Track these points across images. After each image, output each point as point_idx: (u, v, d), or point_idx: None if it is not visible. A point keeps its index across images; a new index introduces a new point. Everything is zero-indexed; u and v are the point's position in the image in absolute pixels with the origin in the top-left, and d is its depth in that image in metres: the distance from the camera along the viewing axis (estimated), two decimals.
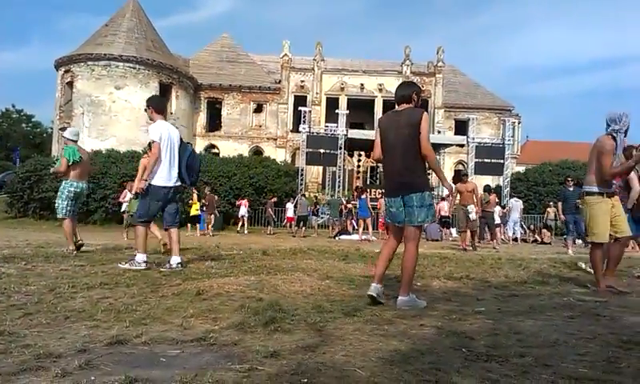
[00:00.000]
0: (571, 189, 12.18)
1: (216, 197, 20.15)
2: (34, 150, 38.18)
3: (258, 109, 38.45)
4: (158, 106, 6.30)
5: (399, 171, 4.02)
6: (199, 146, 36.31)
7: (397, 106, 4.20)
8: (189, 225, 17.82)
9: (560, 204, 12.92)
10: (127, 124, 31.84)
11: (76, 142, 7.59)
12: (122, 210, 14.83)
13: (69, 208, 7.31)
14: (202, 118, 37.86)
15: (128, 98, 32.09)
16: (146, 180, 5.80)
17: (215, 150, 36.14)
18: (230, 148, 35.36)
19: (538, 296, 4.62)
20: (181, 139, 6.24)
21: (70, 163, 7.23)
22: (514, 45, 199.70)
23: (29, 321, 3.04)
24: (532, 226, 22.10)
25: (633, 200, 6.42)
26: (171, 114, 34.43)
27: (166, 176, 5.86)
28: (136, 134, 31.68)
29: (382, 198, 18.13)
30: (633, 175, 6.41)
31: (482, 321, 3.39)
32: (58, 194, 7.36)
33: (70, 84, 32.72)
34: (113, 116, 31.80)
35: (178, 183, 6.02)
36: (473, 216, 12.64)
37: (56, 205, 7.38)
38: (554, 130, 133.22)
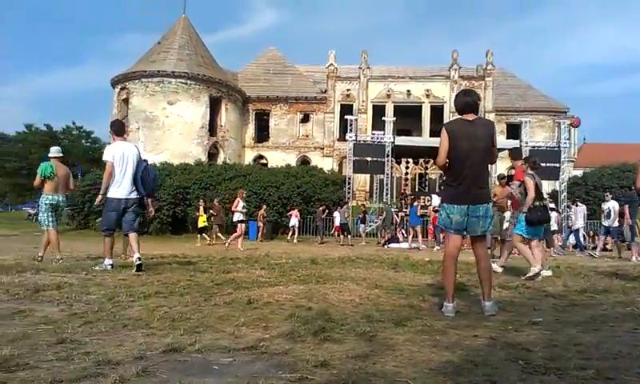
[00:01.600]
0: None
1: (220, 207, 20.44)
2: (93, 164, 40.12)
3: (305, 119, 38.84)
4: (116, 130, 7.01)
5: (474, 181, 4.01)
6: (248, 157, 37.09)
7: (461, 114, 4.17)
8: (199, 236, 18.27)
9: (627, 208, 12.26)
10: (180, 137, 32.93)
11: (58, 158, 8.17)
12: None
13: (50, 219, 7.93)
14: (250, 130, 38.65)
15: (180, 112, 33.22)
16: (103, 194, 6.54)
17: (263, 161, 36.77)
18: (277, 158, 35.88)
19: (599, 306, 4.40)
20: (139, 156, 6.97)
21: (42, 178, 7.84)
22: (566, 45, 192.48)
23: (89, 329, 3.18)
24: (591, 232, 21.07)
25: (528, 204, 6.72)
26: (221, 126, 35.37)
27: (118, 189, 6.53)
28: (189, 147, 32.74)
29: (431, 205, 17.85)
30: (528, 179, 6.76)
31: (539, 332, 3.26)
32: (39, 208, 8.21)
33: (126, 100, 34.25)
34: (166, 130, 32.99)
35: (134, 195, 6.63)
36: (506, 225, 12.20)
37: (38, 218, 8.17)
38: (612, 132, 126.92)
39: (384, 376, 2.26)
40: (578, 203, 18.55)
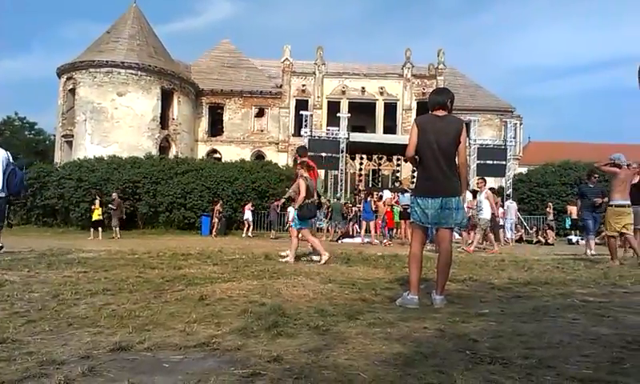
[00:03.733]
0: (592, 185, 11.22)
1: (122, 202, 20.55)
2: (36, 157, 38.26)
3: (260, 113, 38.52)
4: None
5: (444, 174, 4.16)
6: (201, 151, 36.41)
7: (432, 111, 4.33)
8: (92, 230, 18.16)
9: (578, 201, 11.83)
10: (129, 130, 31.92)
11: None
12: None
13: None
14: (203, 124, 37.94)
15: (130, 104, 32.18)
16: None
17: (217, 155, 36.21)
18: (231, 153, 35.39)
19: (541, 297, 4.60)
20: (9, 159, 7.85)
21: None
22: (514, 45, 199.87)
23: (32, 328, 3.04)
24: (535, 227, 22.03)
25: (299, 202, 7.92)
26: (173, 119, 34.54)
27: None
28: (139, 140, 31.78)
29: (379, 200, 18.11)
30: (301, 181, 8.03)
31: (485, 323, 3.38)
32: None
33: (73, 91, 32.84)
34: (115, 123, 31.87)
35: (3, 194, 7.68)
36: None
37: None
38: (556, 131, 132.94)
39: (336, 369, 2.29)
40: (511, 200, 19.69)
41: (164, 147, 33.87)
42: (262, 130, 38.44)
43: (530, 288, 5.21)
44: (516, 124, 34.70)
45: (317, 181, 8.71)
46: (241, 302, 3.99)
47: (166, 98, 34.04)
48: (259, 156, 36.39)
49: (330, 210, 21.17)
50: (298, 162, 8.62)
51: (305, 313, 3.58)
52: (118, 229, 18.60)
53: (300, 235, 8.17)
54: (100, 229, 18.15)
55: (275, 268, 6.55)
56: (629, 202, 8.36)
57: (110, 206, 19.12)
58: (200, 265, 6.96)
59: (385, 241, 16.32)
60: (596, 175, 11.35)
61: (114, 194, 20.15)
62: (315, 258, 7.99)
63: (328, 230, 20.87)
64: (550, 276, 6.29)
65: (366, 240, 16.99)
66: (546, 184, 25.49)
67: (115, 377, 2.16)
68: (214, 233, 21.16)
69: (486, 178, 24.86)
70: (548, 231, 19.57)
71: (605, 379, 2.16)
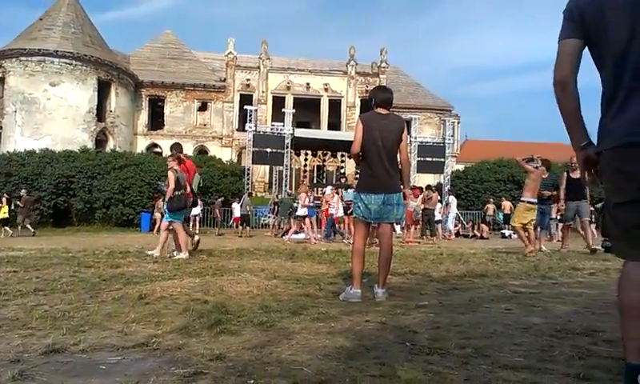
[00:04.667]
0: (544, 176, 10.47)
1: (32, 199, 20.20)
2: None
3: (203, 107, 37.70)
4: None
5: (387, 171, 4.26)
6: (141, 145, 35.17)
7: (377, 107, 4.39)
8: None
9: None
10: (63, 122, 30.35)
11: None
12: None
13: None
14: (143, 117, 36.67)
15: (64, 95, 30.59)
16: None
17: (158, 150, 35.12)
18: None
19: (477, 289, 4.81)
20: None
21: None
22: (453, 46, 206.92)
23: None
24: (471, 222, 22.94)
25: (169, 194, 7.90)
26: (111, 111, 33.17)
27: None
28: (73, 132, 30.31)
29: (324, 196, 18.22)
30: (170, 173, 8.02)
31: (424, 314, 3.50)
32: None
33: (2, 80, 30.81)
34: (48, 114, 30.21)
35: None
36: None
37: None
38: (492, 130, 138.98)
39: (280, 364, 2.29)
40: (450, 195, 20.59)
41: (101, 141, 32.48)
42: (204, 125, 37.67)
43: (466, 280, 5.43)
44: (454, 122, 36.03)
45: (194, 175, 8.70)
46: (182, 301, 3.90)
47: (103, 90, 32.61)
48: (202, 151, 35.67)
49: (277, 205, 21.09)
50: (170, 155, 8.71)
51: (248, 309, 3.55)
52: (29, 226, 18.12)
53: (169, 228, 8.00)
54: (7, 227, 17.74)
55: (218, 265, 6.46)
56: (536, 200, 9.50)
57: (17, 203, 18.58)
58: (139, 263, 6.75)
59: (318, 237, 15.98)
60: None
61: (22, 191, 19.43)
62: (178, 255, 7.71)
63: (274, 226, 20.76)
64: (485, 268, 6.58)
65: (310, 236, 17.04)
66: (481, 180, 26.60)
67: (48, 380, 2.06)
68: (155, 230, 20.55)
69: (425, 174, 25.45)
70: (482, 225, 20.47)
71: (535, 366, 2.29)
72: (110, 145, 32.13)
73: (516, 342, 2.75)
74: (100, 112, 32.40)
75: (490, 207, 21.73)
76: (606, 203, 2.01)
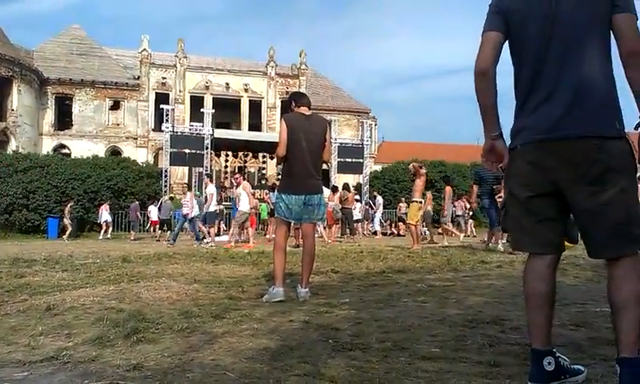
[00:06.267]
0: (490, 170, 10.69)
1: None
2: None
3: (115, 106, 35.81)
4: None
5: (310, 172, 4.29)
6: (47, 146, 32.74)
7: (297, 109, 4.42)
8: None
9: (475, 187, 10.58)
10: None
11: None
12: None
13: None
14: (49, 116, 34.15)
15: None
16: None
17: (66, 151, 32.89)
18: (83, 148, 32.38)
19: (395, 284, 4.99)
20: None
21: None
22: (367, 51, 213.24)
23: None
24: (389, 221, 23.79)
25: None
26: (12, 110, 30.59)
27: None
28: None
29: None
30: None
31: (346, 311, 3.58)
32: None
33: None
34: None
35: None
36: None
37: None
38: (407, 132, 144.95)
39: (202, 370, 2.24)
40: (377, 195, 21.24)
41: (2, 141, 29.83)
42: (118, 124, 35.80)
43: (385, 276, 5.62)
44: (371, 125, 37.08)
45: None
46: (95, 310, 3.70)
47: (4, 87, 29.99)
48: (115, 152, 33.88)
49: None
50: None
51: (168, 316, 3.44)
52: None
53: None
54: None
55: (134, 271, 6.18)
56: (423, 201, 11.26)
57: None
58: (47, 271, 6.30)
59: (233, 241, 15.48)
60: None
61: None
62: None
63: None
64: (403, 264, 6.85)
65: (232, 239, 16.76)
66: (397, 181, 27.62)
67: None
68: (64, 236, 19.27)
69: (345, 174, 26.02)
70: (399, 224, 21.29)
71: (450, 356, 2.42)
72: (12, 146, 29.58)
73: (432, 333, 2.89)
74: (1, 111, 29.81)
75: (402, 206, 22.66)
76: (509, 200, 2.16)
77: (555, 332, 2.30)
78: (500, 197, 9.22)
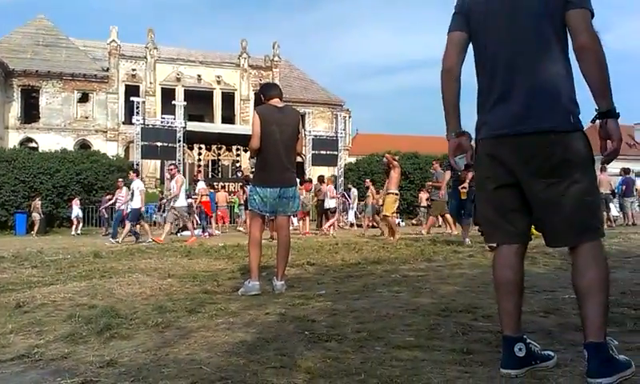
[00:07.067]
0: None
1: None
2: None
3: (84, 98, 34.92)
4: None
5: (284, 165, 4.26)
6: (13, 140, 31.76)
7: (269, 101, 4.37)
8: None
9: (447, 172, 10.63)
10: None
11: None
12: None
13: None
14: (15, 108, 33.11)
15: None
16: None
17: (33, 144, 31.96)
18: (51, 141, 31.53)
19: (370, 275, 5.05)
20: None
21: None
22: (341, 43, 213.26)
23: None
24: (363, 213, 23.90)
25: None
26: None
27: None
28: None
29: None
30: None
31: (322, 303, 3.60)
32: None
33: None
34: None
35: None
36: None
37: None
38: (380, 124, 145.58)
39: (177, 365, 2.23)
40: (351, 187, 21.38)
41: None
42: (86, 117, 34.96)
43: (360, 267, 5.67)
44: (345, 117, 37.13)
45: None
46: (66, 306, 3.63)
47: None
48: (84, 145, 33.10)
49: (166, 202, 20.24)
50: None
51: (141, 311, 3.40)
52: None
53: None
54: None
55: (107, 266, 6.08)
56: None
57: None
58: (15, 268, 6.15)
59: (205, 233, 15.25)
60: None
61: None
62: None
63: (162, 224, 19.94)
64: (377, 255, 6.92)
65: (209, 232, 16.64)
66: (372, 173, 27.79)
67: None
68: (33, 232, 18.77)
69: (320, 167, 26.04)
70: (375, 215, 21.41)
71: (424, 344, 2.46)
72: None
73: (407, 322, 2.94)
74: None
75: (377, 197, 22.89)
76: (477, 194, 2.23)
77: (525, 319, 2.37)
78: (464, 187, 8.97)
